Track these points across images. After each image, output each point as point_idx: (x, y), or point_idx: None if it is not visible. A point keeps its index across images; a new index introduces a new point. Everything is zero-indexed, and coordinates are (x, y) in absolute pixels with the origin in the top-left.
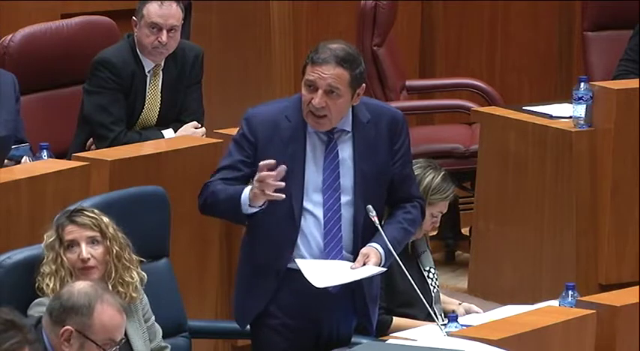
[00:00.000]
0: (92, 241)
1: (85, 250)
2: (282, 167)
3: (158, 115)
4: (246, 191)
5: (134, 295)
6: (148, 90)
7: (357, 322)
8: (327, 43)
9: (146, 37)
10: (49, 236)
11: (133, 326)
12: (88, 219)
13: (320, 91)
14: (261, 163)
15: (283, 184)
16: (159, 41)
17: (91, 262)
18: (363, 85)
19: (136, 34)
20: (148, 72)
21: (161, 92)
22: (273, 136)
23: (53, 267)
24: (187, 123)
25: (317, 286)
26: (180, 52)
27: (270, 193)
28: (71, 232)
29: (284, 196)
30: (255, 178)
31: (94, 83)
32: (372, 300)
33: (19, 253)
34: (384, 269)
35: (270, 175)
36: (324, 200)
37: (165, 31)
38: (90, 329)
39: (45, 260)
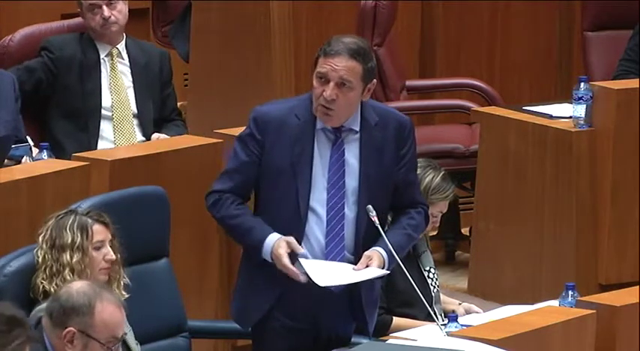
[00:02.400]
0: (110, 242)
1: (110, 251)
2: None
3: (136, 101)
4: (271, 241)
5: (126, 295)
6: (110, 73)
7: (355, 324)
8: (339, 36)
9: (92, 21)
10: (72, 237)
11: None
12: (108, 219)
13: (332, 84)
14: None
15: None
16: (103, 18)
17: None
18: (374, 80)
19: (85, 24)
20: (106, 56)
21: (132, 75)
22: (282, 134)
23: (81, 267)
24: (176, 120)
25: (320, 284)
26: (144, 46)
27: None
28: (100, 232)
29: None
30: (276, 253)
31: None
32: (369, 303)
33: (16, 260)
34: (387, 272)
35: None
36: (328, 199)
37: (105, 7)
38: (92, 328)
39: (70, 260)
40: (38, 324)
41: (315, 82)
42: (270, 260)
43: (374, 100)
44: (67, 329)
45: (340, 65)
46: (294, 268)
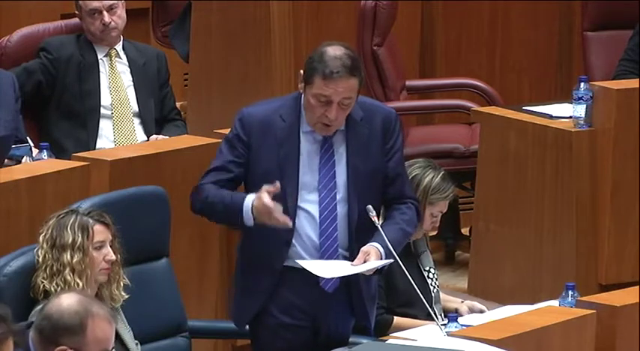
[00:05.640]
0: (111, 242)
1: (111, 251)
2: (277, 185)
3: (137, 100)
4: (248, 203)
5: (125, 295)
6: (109, 73)
7: (356, 321)
8: (329, 49)
9: (91, 25)
10: (73, 237)
11: (122, 327)
12: (109, 220)
13: (334, 104)
14: (264, 187)
15: (289, 222)
16: (103, 24)
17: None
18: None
19: (84, 28)
20: (105, 56)
21: (132, 75)
22: (267, 135)
23: (81, 267)
24: (176, 120)
25: (325, 277)
26: (140, 46)
27: (277, 218)
28: (101, 232)
29: (290, 224)
30: (258, 203)
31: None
32: (369, 299)
33: (16, 259)
34: (390, 260)
35: (272, 210)
36: (320, 199)
37: (105, 12)
38: (85, 346)
39: (70, 260)
40: (28, 328)
41: (313, 101)
42: (252, 222)
43: (372, 98)
44: (59, 348)
45: (342, 87)
46: (282, 216)
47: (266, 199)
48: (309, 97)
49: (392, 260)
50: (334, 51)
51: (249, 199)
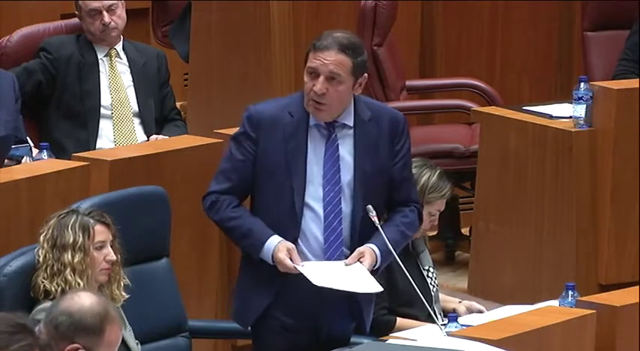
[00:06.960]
0: (111, 242)
1: (111, 251)
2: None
3: (137, 100)
4: (271, 246)
5: (126, 295)
6: (109, 73)
7: (354, 323)
8: (331, 31)
9: (91, 26)
10: (74, 237)
11: (123, 326)
12: (110, 220)
13: (321, 78)
14: (289, 247)
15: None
16: (103, 24)
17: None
18: (365, 75)
19: (84, 28)
20: (105, 56)
21: (132, 75)
22: (275, 131)
23: (82, 267)
24: (176, 120)
25: (316, 283)
26: (140, 46)
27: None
28: (101, 232)
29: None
30: (277, 256)
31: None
32: (366, 301)
33: (16, 259)
34: (380, 289)
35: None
36: (324, 194)
37: (105, 12)
38: (97, 347)
39: (71, 260)
40: (37, 323)
41: (305, 77)
42: (270, 262)
43: (372, 98)
44: (73, 344)
45: (329, 59)
46: (296, 270)
47: (288, 262)
48: (304, 75)
49: (382, 290)
50: (334, 32)
51: (273, 241)
